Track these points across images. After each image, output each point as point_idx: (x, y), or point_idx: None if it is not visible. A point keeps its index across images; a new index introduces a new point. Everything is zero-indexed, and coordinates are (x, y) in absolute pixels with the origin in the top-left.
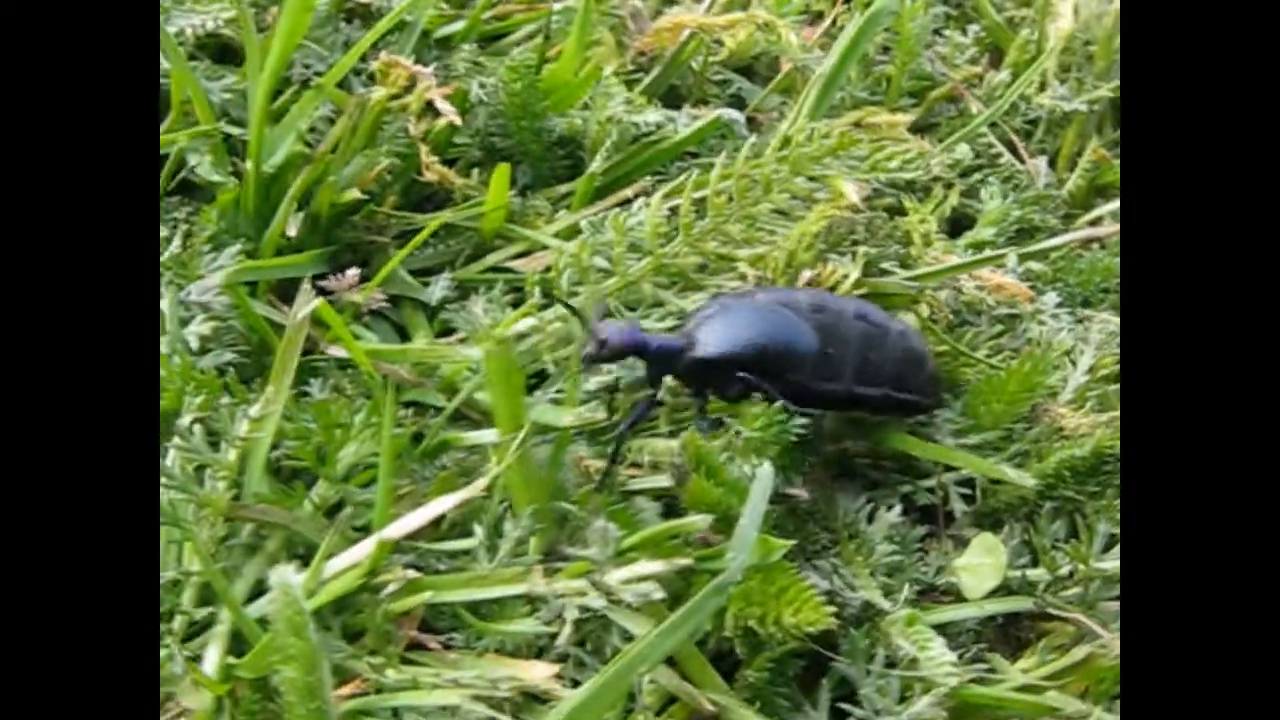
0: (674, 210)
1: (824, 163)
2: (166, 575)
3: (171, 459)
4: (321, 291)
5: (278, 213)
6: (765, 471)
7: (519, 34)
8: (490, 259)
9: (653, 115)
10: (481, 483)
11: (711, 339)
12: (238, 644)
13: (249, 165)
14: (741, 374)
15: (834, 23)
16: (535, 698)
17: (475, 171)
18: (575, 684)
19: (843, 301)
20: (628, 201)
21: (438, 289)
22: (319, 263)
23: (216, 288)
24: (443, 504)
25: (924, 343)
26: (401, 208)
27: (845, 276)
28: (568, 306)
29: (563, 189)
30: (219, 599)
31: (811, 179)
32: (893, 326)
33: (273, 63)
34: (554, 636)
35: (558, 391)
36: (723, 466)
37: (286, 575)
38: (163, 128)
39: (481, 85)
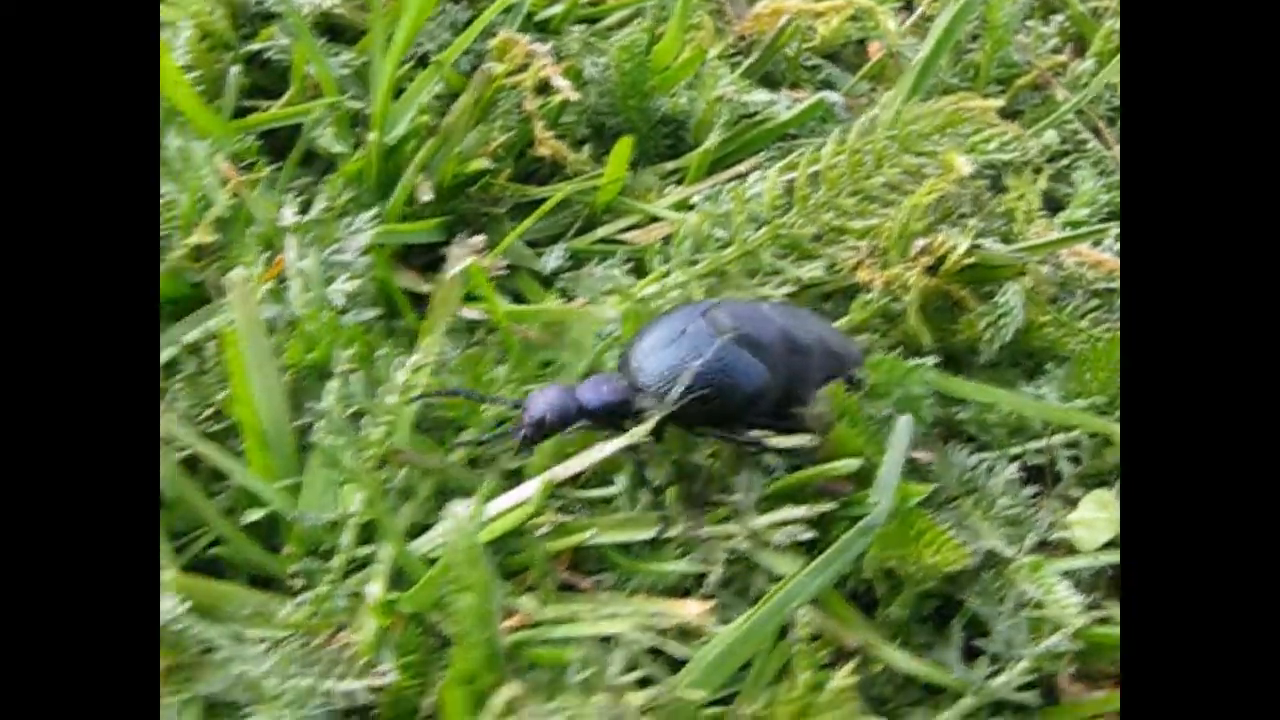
0: (788, 185)
1: (932, 139)
2: (327, 516)
3: (329, 404)
4: (444, 259)
5: (402, 181)
6: (905, 422)
7: (612, 19)
8: (601, 231)
9: (760, 95)
10: (644, 428)
11: (655, 386)
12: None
13: (372, 137)
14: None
15: (922, 12)
16: (686, 634)
17: (586, 147)
18: (723, 623)
19: (812, 330)
20: (741, 176)
21: (552, 259)
22: (441, 230)
23: (362, 247)
24: (603, 450)
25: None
26: (511, 180)
27: (954, 247)
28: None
29: (669, 165)
30: (381, 537)
31: (920, 154)
32: (852, 353)
33: (401, 39)
34: (699, 579)
35: None
36: (863, 417)
37: (460, 510)
38: (283, 101)
39: (594, 64)
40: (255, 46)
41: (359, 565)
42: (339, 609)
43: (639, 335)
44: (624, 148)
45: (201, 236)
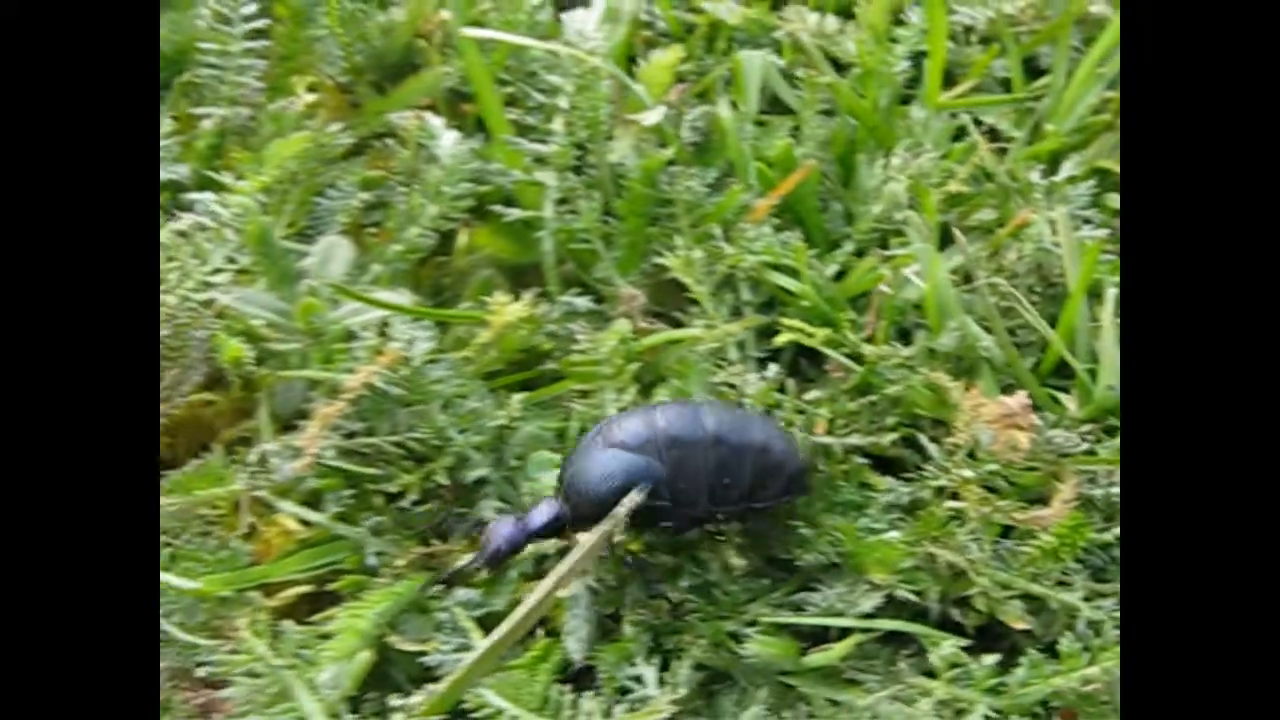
0: None
1: None
2: None
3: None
4: None
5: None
6: None
7: None
8: None
9: None
10: None
11: (577, 501)
12: None
13: (1050, 128)
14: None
15: None
16: None
17: None
18: None
19: (704, 426)
20: None
21: None
22: None
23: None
24: None
25: (784, 446)
26: None
27: None
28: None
29: None
30: None
31: None
32: (750, 444)
33: (1093, 58)
34: None
35: None
36: None
37: None
38: (959, 90)
39: None
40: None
41: None
42: None
43: (569, 459)
44: None
45: (957, 188)
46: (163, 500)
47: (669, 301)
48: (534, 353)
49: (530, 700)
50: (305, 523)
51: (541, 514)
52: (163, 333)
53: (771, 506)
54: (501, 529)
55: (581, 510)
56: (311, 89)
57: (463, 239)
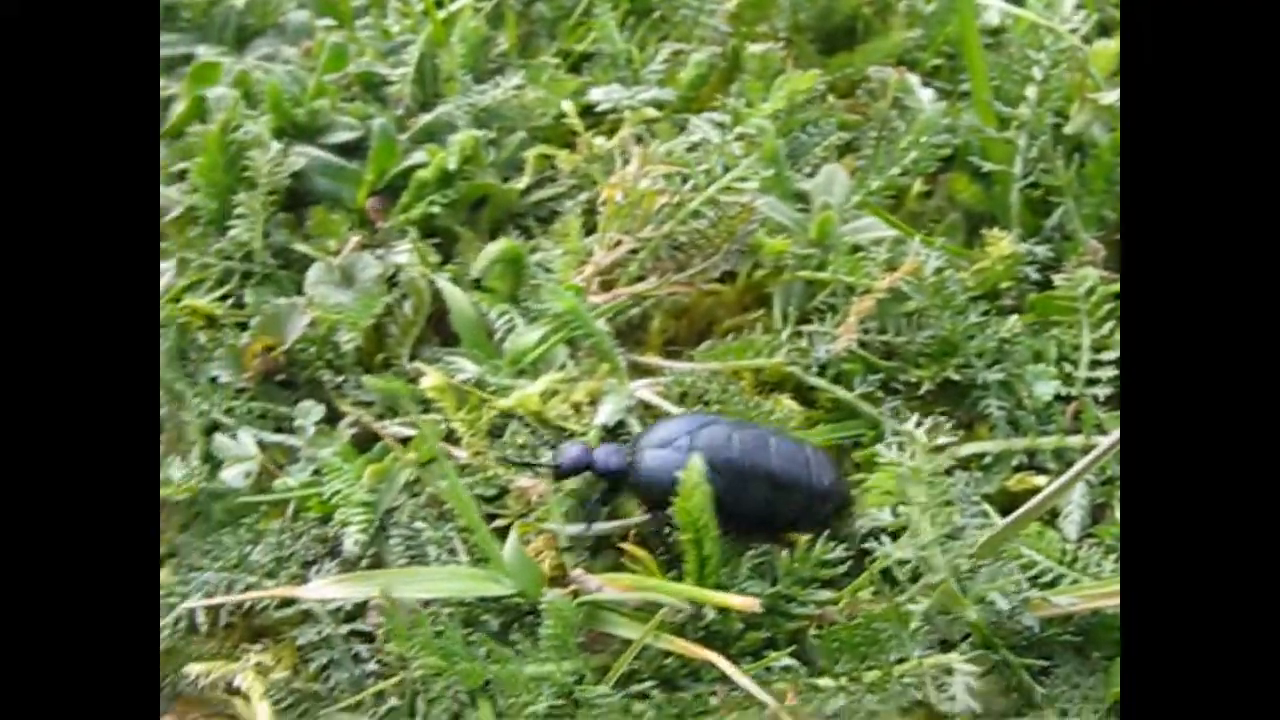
0: None
1: None
2: None
3: None
4: None
5: None
6: None
7: None
8: None
9: None
10: None
11: (645, 473)
12: None
13: None
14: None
15: None
16: None
17: None
18: None
19: (755, 454)
20: None
21: None
22: None
23: None
24: None
25: (831, 479)
26: None
27: None
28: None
29: None
30: None
31: None
32: (798, 482)
33: None
34: None
35: None
36: None
37: None
38: None
39: None
40: None
41: None
42: None
43: (647, 431)
44: None
45: None
46: (698, 364)
47: (1111, 261)
48: (992, 287)
49: (1051, 552)
50: (810, 402)
51: (611, 460)
52: (701, 224)
53: (814, 530)
54: (571, 449)
55: (637, 483)
56: (752, 40)
57: (916, 184)
